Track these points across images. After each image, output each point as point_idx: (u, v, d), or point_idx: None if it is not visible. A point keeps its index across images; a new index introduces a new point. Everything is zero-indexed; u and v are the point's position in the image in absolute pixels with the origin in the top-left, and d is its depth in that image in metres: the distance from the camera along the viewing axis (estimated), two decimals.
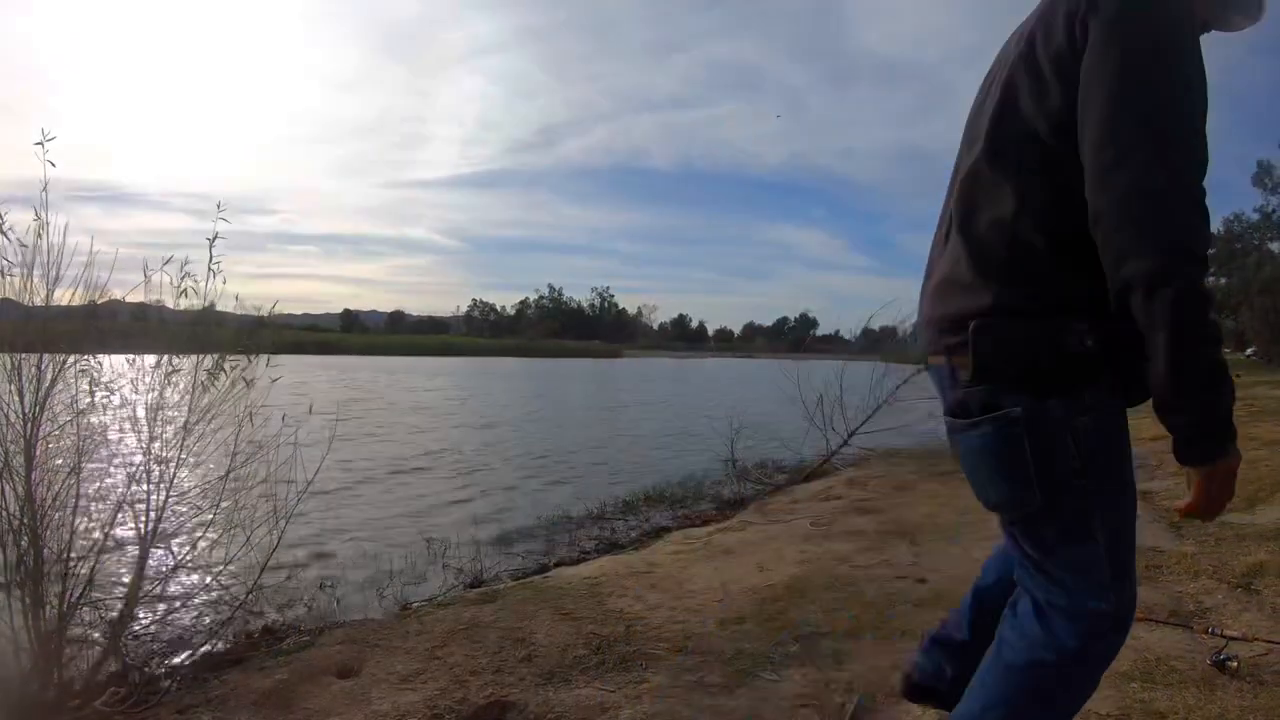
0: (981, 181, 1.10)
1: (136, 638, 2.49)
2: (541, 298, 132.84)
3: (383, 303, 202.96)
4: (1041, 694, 1.13)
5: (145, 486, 2.40)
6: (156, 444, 2.43)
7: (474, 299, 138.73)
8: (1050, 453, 1.05)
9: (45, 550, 2.19)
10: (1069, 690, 1.13)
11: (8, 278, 2.23)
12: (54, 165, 2.24)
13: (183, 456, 2.47)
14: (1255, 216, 39.80)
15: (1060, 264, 1.02)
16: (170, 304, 2.55)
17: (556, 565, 4.40)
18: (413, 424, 13.11)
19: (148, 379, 2.48)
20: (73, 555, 2.24)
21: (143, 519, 2.39)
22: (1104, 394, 1.05)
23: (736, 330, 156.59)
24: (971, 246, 1.10)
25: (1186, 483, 1.00)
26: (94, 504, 2.36)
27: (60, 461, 2.28)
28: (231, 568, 2.61)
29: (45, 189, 2.24)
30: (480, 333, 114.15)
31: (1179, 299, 0.90)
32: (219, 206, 2.54)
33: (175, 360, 2.49)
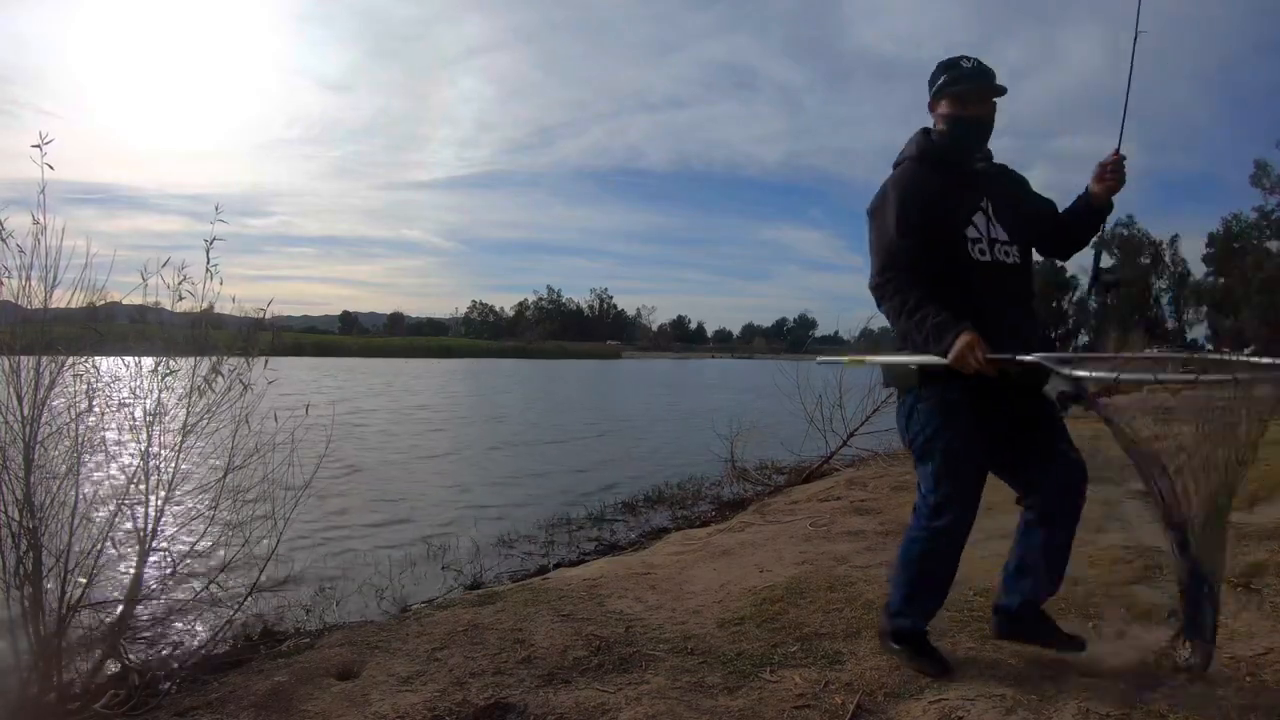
0: None
1: (136, 640, 2.48)
2: (540, 299, 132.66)
3: (381, 304, 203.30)
4: (910, 555, 2.08)
5: (144, 488, 2.39)
6: (155, 446, 2.42)
7: (473, 300, 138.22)
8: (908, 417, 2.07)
9: (44, 553, 2.19)
10: (925, 555, 2.05)
11: (6, 280, 2.23)
12: (52, 168, 2.24)
13: (182, 457, 2.47)
14: (1253, 216, 39.84)
15: None
16: (169, 306, 2.55)
17: (556, 567, 4.41)
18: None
19: (146, 381, 2.48)
20: (72, 558, 2.24)
21: (141, 521, 2.39)
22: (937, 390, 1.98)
23: (735, 331, 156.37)
24: None
25: None
26: (93, 506, 2.35)
27: (59, 463, 2.27)
28: (231, 569, 2.61)
29: (43, 191, 2.24)
30: (479, 334, 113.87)
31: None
32: (216, 209, 2.55)
33: (173, 363, 2.49)
